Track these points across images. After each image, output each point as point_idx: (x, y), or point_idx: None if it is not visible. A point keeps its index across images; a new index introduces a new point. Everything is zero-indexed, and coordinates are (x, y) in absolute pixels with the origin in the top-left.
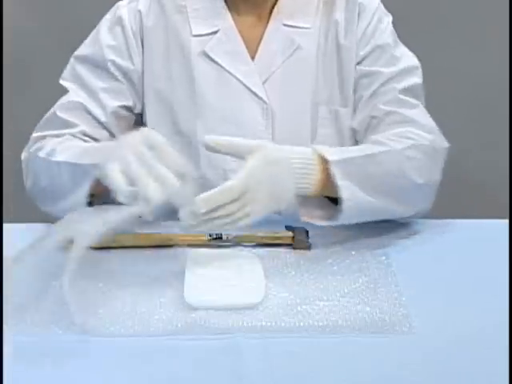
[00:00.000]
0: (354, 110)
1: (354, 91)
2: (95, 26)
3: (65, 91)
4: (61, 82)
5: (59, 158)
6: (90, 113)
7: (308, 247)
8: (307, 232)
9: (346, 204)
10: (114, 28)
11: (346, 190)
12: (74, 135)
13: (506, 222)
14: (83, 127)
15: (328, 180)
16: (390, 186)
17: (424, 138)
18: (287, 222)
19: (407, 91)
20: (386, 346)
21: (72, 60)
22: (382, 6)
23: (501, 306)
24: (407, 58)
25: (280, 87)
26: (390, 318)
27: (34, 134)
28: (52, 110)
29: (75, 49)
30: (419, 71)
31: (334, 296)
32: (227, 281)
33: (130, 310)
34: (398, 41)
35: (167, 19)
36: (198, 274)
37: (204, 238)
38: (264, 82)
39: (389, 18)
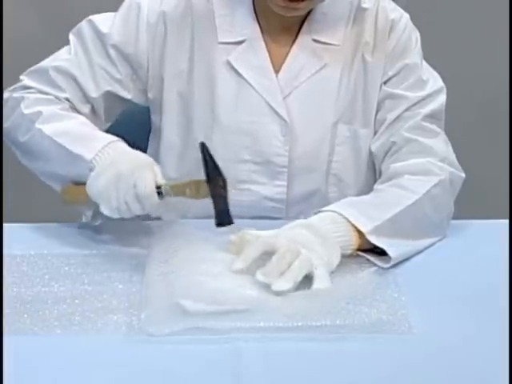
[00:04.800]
0: (375, 132)
1: (377, 111)
2: None
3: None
4: (70, 35)
5: (45, 129)
6: (80, 86)
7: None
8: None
9: (393, 258)
10: (130, 13)
11: (390, 247)
12: (58, 98)
13: (506, 222)
14: (69, 96)
15: (365, 241)
16: (420, 231)
17: (443, 170)
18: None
19: (431, 116)
20: (385, 346)
21: (85, 22)
22: (410, 21)
23: (501, 306)
24: (433, 80)
25: (302, 103)
26: (390, 318)
27: (25, 81)
28: (47, 65)
29: None
30: (444, 91)
31: (333, 296)
32: (222, 283)
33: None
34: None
35: (194, 20)
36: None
37: None
38: (286, 97)
39: (417, 34)
